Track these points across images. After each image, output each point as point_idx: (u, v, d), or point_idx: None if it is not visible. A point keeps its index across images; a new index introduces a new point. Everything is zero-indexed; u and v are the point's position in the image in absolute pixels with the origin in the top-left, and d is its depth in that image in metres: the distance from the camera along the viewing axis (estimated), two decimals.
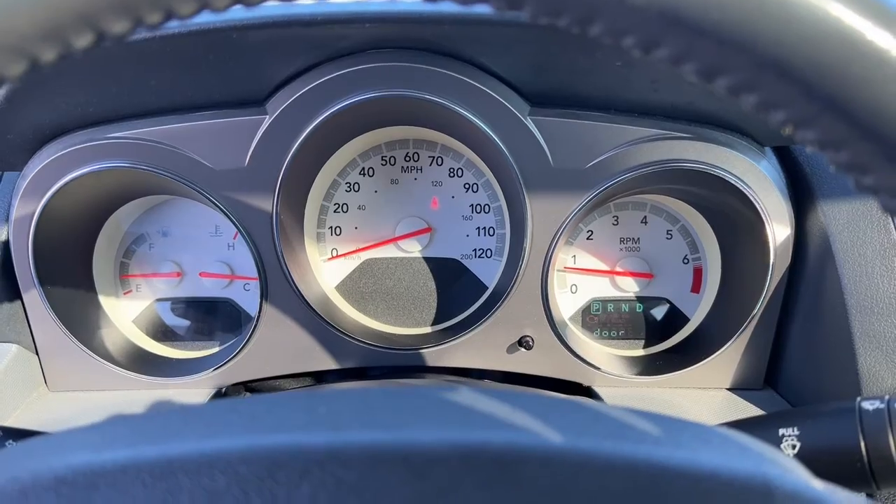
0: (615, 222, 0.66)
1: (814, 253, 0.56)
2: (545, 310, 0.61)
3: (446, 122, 0.61)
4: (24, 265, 0.60)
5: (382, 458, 0.24)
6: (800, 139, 0.23)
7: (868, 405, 0.43)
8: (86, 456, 0.27)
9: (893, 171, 0.22)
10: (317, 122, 0.54)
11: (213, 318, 0.66)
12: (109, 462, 0.27)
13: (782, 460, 0.28)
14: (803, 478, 0.28)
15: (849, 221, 0.53)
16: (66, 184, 0.55)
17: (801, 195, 0.57)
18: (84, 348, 0.60)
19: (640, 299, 0.67)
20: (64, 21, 0.22)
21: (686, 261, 0.67)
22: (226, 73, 0.47)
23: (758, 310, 0.60)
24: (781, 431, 0.43)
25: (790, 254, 0.57)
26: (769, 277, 0.59)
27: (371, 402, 0.27)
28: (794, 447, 0.42)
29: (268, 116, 0.55)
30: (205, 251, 0.67)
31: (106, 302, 0.64)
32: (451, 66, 0.53)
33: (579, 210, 0.57)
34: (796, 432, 0.43)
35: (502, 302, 0.60)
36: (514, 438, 0.24)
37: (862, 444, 0.42)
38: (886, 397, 0.41)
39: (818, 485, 0.27)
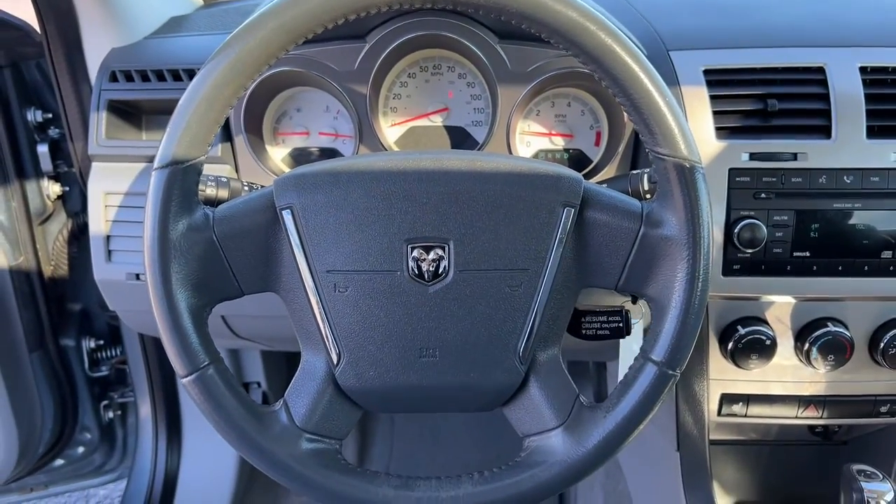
0: (552, 105, 1.03)
1: None
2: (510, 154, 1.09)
3: (457, 47, 0.97)
4: (237, 122, 0.97)
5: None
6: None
7: (636, 172, 0.91)
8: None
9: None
10: (390, 48, 0.95)
11: (326, 158, 1.14)
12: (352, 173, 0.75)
13: (570, 170, 0.76)
14: (576, 173, 0.76)
15: None
16: (262, 78, 0.99)
17: None
18: (264, 168, 1.05)
19: (565, 150, 1.04)
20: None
21: (591, 127, 1.04)
22: (351, 24, 0.75)
23: (621, 149, 0.98)
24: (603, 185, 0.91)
25: None
26: (625, 130, 0.97)
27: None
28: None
29: (367, 44, 0.97)
30: (320, 120, 1.04)
31: (269, 149, 1.07)
32: (459, 19, 0.95)
33: (525, 94, 0.94)
34: (606, 184, 0.92)
35: (483, 149, 1.00)
36: None
37: (629, 185, 0.90)
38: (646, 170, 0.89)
39: (576, 174, 0.76)
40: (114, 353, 1.64)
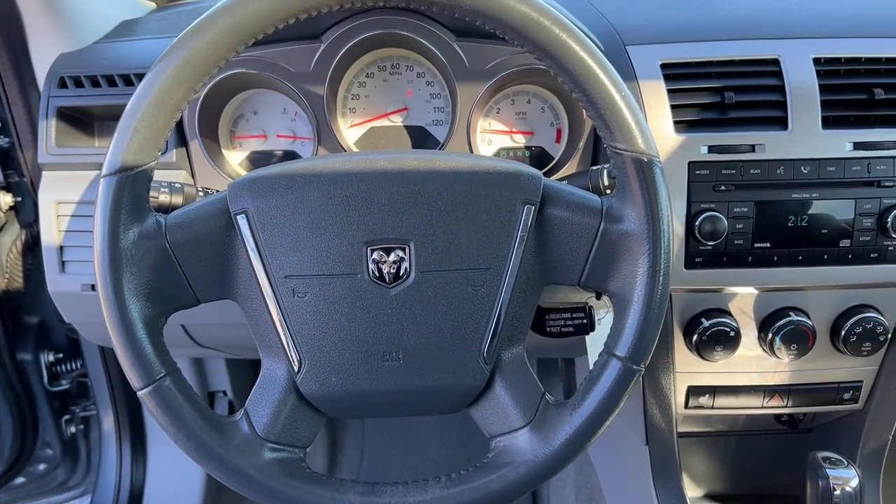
0: (512, 103, 1.03)
1: None
2: (470, 153, 1.08)
3: (414, 45, 0.96)
4: (191, 127, 0.96)
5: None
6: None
7: (595, 168, 0.91)
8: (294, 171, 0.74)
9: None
10: (347, 46, 0.94)
11: (284, 161, 1.13)
12: (307, 173, 0.73)
13: (529, 168, 0.76)
14: (536, 170, 0.76)
15: None
16: (216, 81, 0.99)
17: None
18: (220, 172, 1.04)
19: (527, 147, 1.04)
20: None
21: (552, 124, 1.04)
22: (306, 24, 0.89)
23: (582, 145, 0.99)
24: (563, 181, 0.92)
25: None
26: (585, 126, 0.98)
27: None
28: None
29: (322, 44, 0.96)
30: (278, 122, 1.03)
31: (225, 153, 1.06)
32: (415, 17, 0.95)
33: (484, 92, 0.94)
34: (566, 181, 0.92)
35: (444, 148, 1.00)
36: None
37: (589, 181, 0.91)
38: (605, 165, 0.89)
39: (536, 171, 0.75)
40: (74, 366, 1.60)
